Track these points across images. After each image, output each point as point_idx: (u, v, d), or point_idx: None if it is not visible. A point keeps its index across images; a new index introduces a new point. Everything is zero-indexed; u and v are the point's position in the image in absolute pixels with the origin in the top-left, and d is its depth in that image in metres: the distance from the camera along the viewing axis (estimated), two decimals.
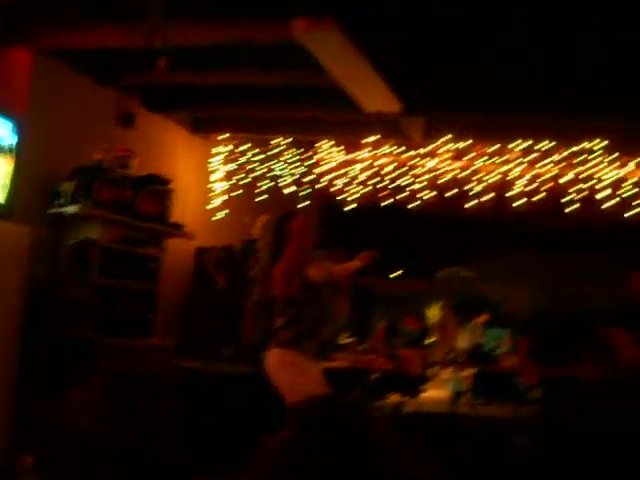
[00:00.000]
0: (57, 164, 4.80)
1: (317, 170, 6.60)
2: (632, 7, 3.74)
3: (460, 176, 6.19)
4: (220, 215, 6.43)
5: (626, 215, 5.56)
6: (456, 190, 6.16)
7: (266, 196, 6.52)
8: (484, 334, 8.16)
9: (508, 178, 5.97)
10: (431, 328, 10.01)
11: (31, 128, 4.57)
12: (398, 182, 6.38)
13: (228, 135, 6.48)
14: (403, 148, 6.35)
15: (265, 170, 6.53)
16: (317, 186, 6.47)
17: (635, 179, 5.54)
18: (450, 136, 5.90)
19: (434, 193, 6.25)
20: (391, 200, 6.45)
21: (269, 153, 6.54)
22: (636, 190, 5.51)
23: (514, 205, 5.96)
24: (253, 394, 5.13)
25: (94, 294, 4.61)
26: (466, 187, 6.12)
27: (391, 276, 12.56)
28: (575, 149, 5.64)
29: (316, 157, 6.56)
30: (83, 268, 4.59)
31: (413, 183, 6.35)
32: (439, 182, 6.24)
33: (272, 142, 6.51)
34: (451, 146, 6.03)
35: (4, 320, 4.15)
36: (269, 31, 4.15)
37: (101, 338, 4.54)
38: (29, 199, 4.62)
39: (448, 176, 6.20)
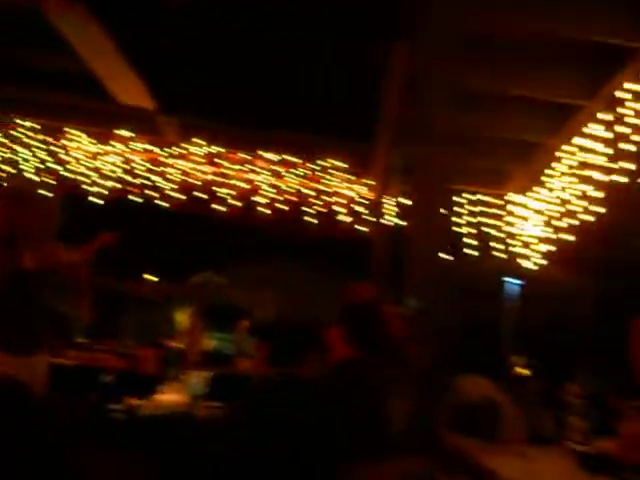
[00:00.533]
0: None
1: (64, 158, 6.27)
2: None
3: (211, 180, 6.29)
4: None
5: (357, 229, 6.07)
6: (206, 194, 6.25)
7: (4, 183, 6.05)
8: (246, 339, 8.31)
9: (255, 186, 6.20)
10: (179, 333, 9.98)
11: None
12: (150, 180, 6.31)
13: None
14: (153, 147, 6.30)
15: (6, 154, 6.06)
16: (64, 175, 6.16)
17: (365, 199, 6.09)
18: (203, 141, 5.99)
19: (184, 196, 6.28)
20: (140, 199, 6.35)
21: (10, 134, 6.09)
22: (366, 209, 6.06)
23: (260, 213, 6.20)
24: None
25: None
26: (216, 191, 6.23)
27: (146, 277, 12.31)
28: (317, 166, 6.05)
29: (64, 145, 6.24)
30: None
31: (165, 183, 6.32)
32: (190, 184, 6.28)
33: (15, 124, 6.08)
34: (204, 150, 6.12)
35: None
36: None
37: None
38: None
39: (200, 179, 6.27)
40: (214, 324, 9.11)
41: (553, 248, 5.32)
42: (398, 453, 1.77)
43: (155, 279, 12.53)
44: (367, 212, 6.02)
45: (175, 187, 6.32)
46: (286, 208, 6.15)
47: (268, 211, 6.19)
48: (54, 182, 6.26)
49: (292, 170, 6.15)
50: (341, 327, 2.77)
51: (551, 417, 2.73)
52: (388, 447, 2.11)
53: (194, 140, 6.07)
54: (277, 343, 6.85)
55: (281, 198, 6.16)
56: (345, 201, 6.14)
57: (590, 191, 4.59)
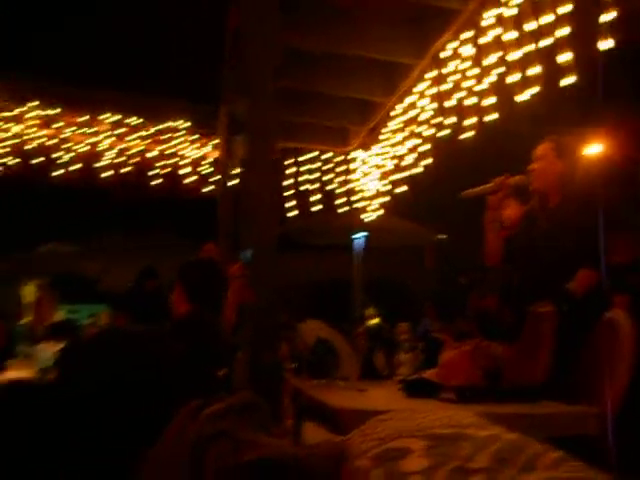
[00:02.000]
0: None
1: None
2: None
3: (48, 144, 6.02)
4: None
5: (203, 190, 6.07)
6: (43, 158, 5.98)
7: None
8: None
9: (97, 149, 6.02)
10: (25, 307, 9.55)
11: None
12: None
13: None
14: None
15: None
16: None
17: (211, 159, 6.08)
18: (38, 103, 5.70)
19: (19, 160, 5.97)
20: None
21: None
22: (212, 169, 6.06)
23: (102, 177, 6.03)
24: None
25: None
26: (54, 155, 5.98)
27: None
28: (161, 127, 5.95)
29: None
30: None
31: None
32: (25, 149, 5.98)
33: None
34: (39, 113, 5.83)
35: None
36: None
37: None
38: None
39: (35, 143, 5.98)
40: (63, 295, 8.83)
41: (390, 199, 5.64)
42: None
43: None
44: (213, 172, 6.04)
45: (8, 153, 5.99)
46: (130, 170, 6.03)
47: (111, 174, 6.03)
48: None
49: (135, 132, 6.01)
50: (180, 284, 2.83)
51: (383, 355, 2.95)
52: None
53: (28, 103, 5.76)
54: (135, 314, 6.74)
55: (125, 161, 6.03)
56: (190, 162, 6.12)
57: (420, 145, 4.92)
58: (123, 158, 6.02)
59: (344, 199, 6.23)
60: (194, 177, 6.10)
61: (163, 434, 1.35)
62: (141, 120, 5.90)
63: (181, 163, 6.08)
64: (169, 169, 6.05)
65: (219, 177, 5.56)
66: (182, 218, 7.26)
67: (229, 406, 1.48)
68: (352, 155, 6.13)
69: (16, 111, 5.84)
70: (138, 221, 9.10)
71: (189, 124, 5.94)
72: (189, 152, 6.08)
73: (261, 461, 1.11)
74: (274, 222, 2.52)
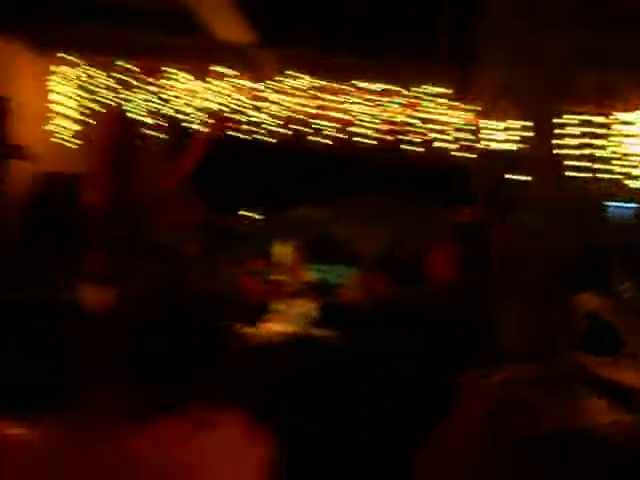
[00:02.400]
0: None
1: (164, 97, 6.46)
2: None
3: (310, 112, 6.31)
4: (65, 139, 6.15)
5: (458, 155, 5.97)
6: (306, 127, 6.29)
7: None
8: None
9: (354, 116, 6.18)
10: (278, 266, 10.24)
11: None
12: (248, 116, 6.41)
13: (73, 57, 6.16)
14: (255, 84, 6.38)
15: (112, 95, 6.30)
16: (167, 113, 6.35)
17: (467, 123, 5.95)
18: (302, 74, 5.99)
19: (284, 130, 6.36)
20: (241, 135, 6.47)
21: (117, 77, 6.31)
22: (468, 134, 5.93)
23: (360, 143, 6.19)
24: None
25: None
26: (316, 124, 6.26)
27: (242, 214, 12.64)
28: (418, 92, 5.94)
29: (164, 83, 6.41)
30: None
31: (263, 117, 6.40)
32: (290, 118, 6.34)
33: (119, 66, 6.28)
34: (302, 83, 6.12)
35: None
36: None
37: None
38: None
39: (299, 112, 6.31)
40: (316, 257, 9.31)
41: None
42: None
43: (254, 215, 12.83)
44: (470, 138, 5.90)
45: (274, 121, 6.39)
46: (387, 137, 6.11)
47: (368, 141, 6.16)
48: (161, 121, 6.47)
49: (392, 98, 6.07)
50: (449, 247, 2.77)
51: None
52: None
53: (292, 73, 6.07)
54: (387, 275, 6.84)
55: (381, 127, 6.12)
56: (447, 128, 6.03)
57: None
58: (379, 124, 6.12)
59: (607, 165, 5.76)
60: (450, 143, 6.02)
61: (451, 403, 1.31)
62: (398, 86, 5.93)
63: (437, 128, 6.02)
64: (425, 135, 6.03)
65: (475, 142, 5.42)
66: (434, 183, 7.22)
67: (522, 375, 1.39)
68: (619, 116, 5.63)
69: (282, 83, 6.20)
70: (390, 186, 9.23)
71: (446, 89, 5.85)
72: (446, 117, 6.00)
73: (561, 432, 1.03)
74: (557, 185, 2.37)
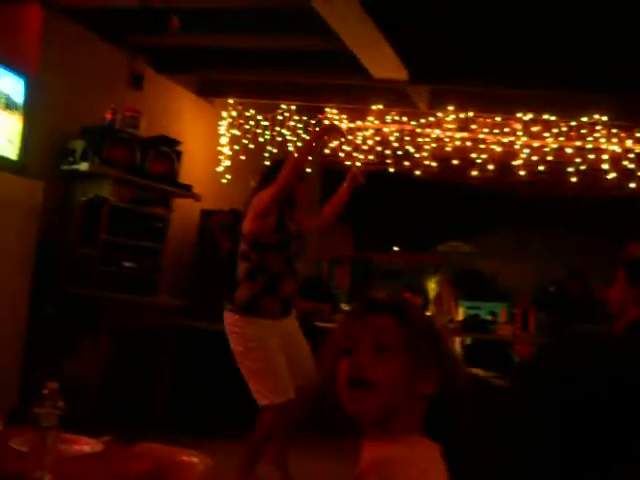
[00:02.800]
0: (68, 121, 4.85)
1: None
2: None
3: (464, 146, 6.27)
4: (226, 179, 6.48)
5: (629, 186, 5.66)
6: (459, 160, 6.25)
7: (271, 163, 6.58)
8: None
9: (512, 148, 6.05)
10: (429, 301, 10.17)
11: (42, 85, 4.62)
12: (403, 151, 6.46)
13: (234, 100, 6.51)
14: (406, 118, 6.46)
15: (271, 135, 6.58)
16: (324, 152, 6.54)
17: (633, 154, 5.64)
18: (452, 108, 5.97)
19: (436, 163, 6.35)
20: (393, 170, 6.54)
21: (276, 118, 6.59)
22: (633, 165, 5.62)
23: (517, 175, 6.05)
24: None
25: (102, 251, 4.69)
26: (470, 157, 6.20)
27: (394, 249, 12.71)
28: (577, 122, 5.72)
29: (322, 123, 6.62)
30: (93, 225, 4.67)
31: (417, 152, 6.44)
32: (443, 151, 6.33)
33: (280, 108, 6.55)
34: (455, 116, 6.10)
35: (17, 275, 4.25)
36: None
37: (107, 295, 4.63)
38: (42, 156, 4.69)
39: (452, 146, 6.29)
40: (464, 292, 9.14)
41: None
42: None
43: (398, 249, 12.81)
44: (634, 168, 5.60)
45: (428, 156, 6.40)
46: (545, 169, 5.92)
47: (524, 173, 6.01)
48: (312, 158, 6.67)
49: (551, 129, 5.89)
50: (629, 287, 2.62)
51: None
52: None
53: (445, 107, 6.06)
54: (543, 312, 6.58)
55: (540, 159, 5.95)
56: (610, 157, 5.76)
57: None
58: (538, 156, 5.95)
59: None
60: (614, 173, 5.73)
61: None
62: (557, 116, 5.74)
63: (600, 158, 5.77)
64: (587, 165, 5.79)
65: None
66: (597, 217, 6.89)
67: None
68: None
69: (437, 116, 6.20)
70: (547, 219, 8.93)
71: (607, 117, 5.59)
72: (609, 146, 5.73)
73: None
74: None
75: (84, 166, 4.66)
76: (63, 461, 1.77)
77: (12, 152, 4.39)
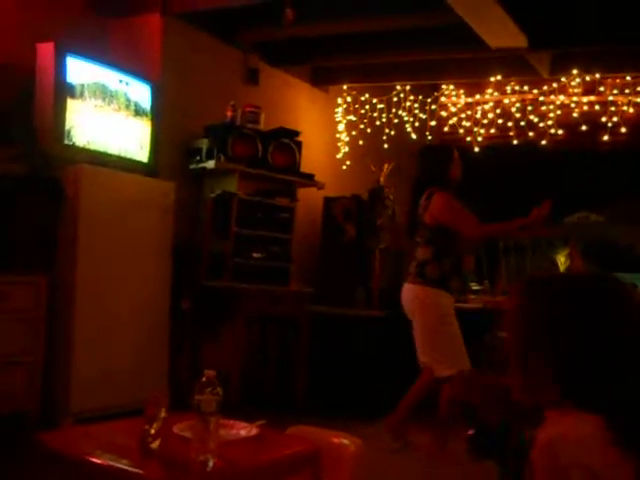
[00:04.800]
0: (192, 122, 5.03)
1: (441, 114, 6.55)
2: None
3: (592, 110, 5.96)
4: (346, 165, 6.50)
5: None
6: (588, 126, 5.94)
7: (390, 145, 6.55)
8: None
9: None
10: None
11: (166, 90, 4.82)
12: (526, 120, 6.23)
13: (347, 86, 6.51)
14: (527, 87, 6.22)
15: (387, 118, 6.53)
16: (444, 130, 6.42)
17: None
18: (577, 71, 5.67)
19: (562, 131, 6.07)
20: (517, 141, 6.32)
21: (392, 100, 6.53)
22: None
23: None
24: (383, 335, 5.29)
25: (234, 244, 4.84)
26: (600, 121, 5.88)
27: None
28: None
29: (439, 101, 6.50)
30: (223, 220, 4.83)
31: (542, 121, 6.18)
32: (570, 118, 6.04)
33: (394, 89, 6.49)
34: (581, 80, 5.79)
35: (158, 271, 4.48)
36: None
37: (241, 286, 4.77)
38: (170, 157, 4.90)
39: (579, 111, 5.99)
40: (595, 264, 8.70)
41: None
42: None
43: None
44: None
45: (554, 124, 6.13)
46: None
47: None
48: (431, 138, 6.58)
49: None
50: None
51: None
52: None
53: (569, 71, 5.76)
54: None
55: None
56: None
57: None
58: None
59: None
60: None
61: None
62: None
63: None
64: None
65: None
66: None
67: None
68: None
69: (561, 81, 5.93)
70: None
71: None
72: None
73: None
74: None
75: (211, 164, 4.82)
76: (224, 445, 1.84)
77: (144, 155, 4.62)
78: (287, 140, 5.28)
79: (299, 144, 5.36)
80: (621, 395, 1.20)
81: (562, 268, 10.44)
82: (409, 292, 3.96)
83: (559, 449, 1.17)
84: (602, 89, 5.93)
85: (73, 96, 4.18)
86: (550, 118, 6.17)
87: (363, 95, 6.54)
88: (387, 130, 6.53)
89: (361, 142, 6.51)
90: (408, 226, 4.13)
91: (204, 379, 1.80)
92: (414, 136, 6.55)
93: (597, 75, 5.81)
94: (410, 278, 3.99)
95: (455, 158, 4.11)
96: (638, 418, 1.19)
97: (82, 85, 4.24)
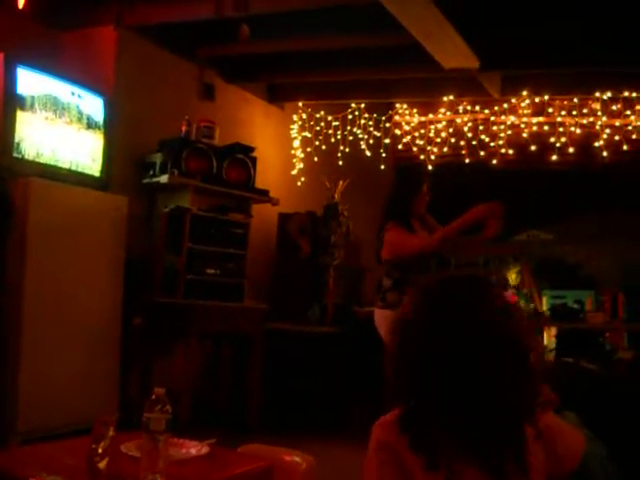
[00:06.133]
0: (145, 136, 4.98)
1: (396, 132, 6.62)
2: None
3: (541, 131, 6.11)
4: (301, 181, 6.52)
5: None
6: (537, 146, 6.08)
7: (344, 162, 6.60)
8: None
9: (592, 130, 5.84)
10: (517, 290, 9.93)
11: (119, 103, 4.76)
12: (477, 140, 6.35)
13: (303, 103, 6.54)
14: (478, 107, 6.35)
15: (342, 135, 6.58)
16: (398, 147, 6.49)
17: None
18: (526, 92, 5.81)
19: (512, 151, 6.21)
20: (469, 160, 6.43)
21: (347, 117, 6.59)
22: None
23: (600, 157, 5.83)
24: (337, 352, 5.30)
25: (187, 260, 4.79)
26: (549, 141, 6.02)
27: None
28: None
29: (393, 120, 6.58)
30: (176, 235, 4.78)
31: (493, 140, 6.31)
32: (520, 138, 6.18)
33: (349, 107, 6.55)
34: (530, 101, 5.94)
35: (110, 287, 4.40)
36: None
37: (195, 302, 4.72)
38: (123, 171, 4.84)
39: (529, 131, 6.13)
40: (544, 281, 8.88)
41: None
42: None
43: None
44: None
45: (504, 144, 6.27)
46: (628, 149, 5.68)
47: (607, 155, 5.79)
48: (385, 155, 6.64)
49: (633, 107, 5.65)
50: None
51: None
52: None
53: (519, 92, 5.91)
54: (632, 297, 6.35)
55: (622, 139, 5.72)
56: None
57: None
58: (620, 136, 5.73)
59: None
60: None
61: None
62: (636, 94, 5.51)
63: None
64: None
65: None
66: None
67: None
68: None
69: (511, 102, 6.06)
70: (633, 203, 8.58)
71: None
72: None
73: None
74: None
75: (164, 178, 4.77)
76: (173, 464, 1.81)
77: (96, 169, 4.55)
78: (242, 156, 5.26)
79: (254, 160, 5.35)
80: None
81: (512, 284, 10.62)
82: (375, 316, 4.09)
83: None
84: (551, 110, 6.10)
85: (23, 108, 4.10)
86: (501, 138, 6.31)
87: (318, 112, 6.58)
88: (342, 147, 6.59)
89: (316, 159, 6.54)
90: (375, 252, 4.19)
91: (154, 397, 1.77)
92: (369, 153, 6.62)
93: (546, 97, 5.97)
94: (376, 303, 4.13)
95: (422, 193, 4.18)
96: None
97: (33, 97, 4.16)
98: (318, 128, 6.57)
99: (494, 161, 6.39)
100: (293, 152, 6.55)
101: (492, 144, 6.41)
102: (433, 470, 1.16)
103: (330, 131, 6.58)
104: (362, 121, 6.58)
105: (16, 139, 4.05)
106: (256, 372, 5.12)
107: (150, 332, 4.64)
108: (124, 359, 4.49)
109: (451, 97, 6.08)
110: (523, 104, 6.09)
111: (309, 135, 6.56)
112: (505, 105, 6.20)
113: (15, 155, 4.05)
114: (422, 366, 1.22)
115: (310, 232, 5.90)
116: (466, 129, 6.47)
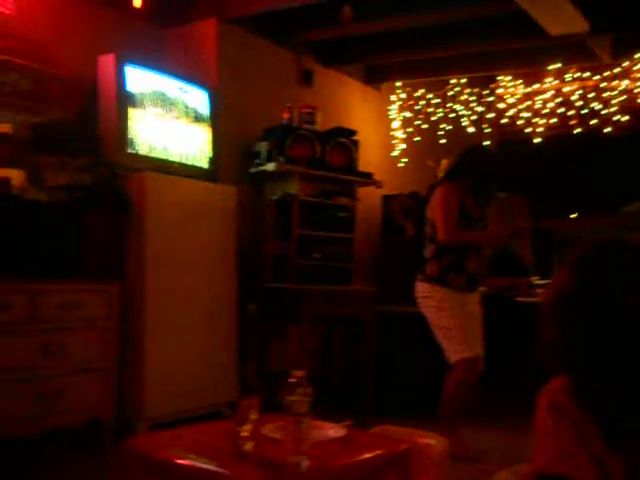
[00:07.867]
0: (249, 126, 5.05)
1: (499, 106, 6.42)
2: None
3: None
4: (403, 162, 6.44)
5: None
6: None
7: (447, 140, 6.47)
8: None
9: None
10: None
11: (222, 95, 4.84)
12: (588, 109, 6.06)
13: (401, 82, 6.44)
14: (589, 73, 6.05)
15: (444, 113, 6.45)
16: (501, 122, 6.30)
17: None
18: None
19: (627, 117, 5.89)
20: (580, 129, 6.16)
21: (447, 94, 6.45)
22: None
23: None
24: None
25: (296, 245, 4.83)
26: None
27: (571, 216, 11.94)
28: None
29: (496, 93, 6.38)
30: (285, 222, 4.83)
31: (605, 107, 6.01)
32: (634, 103, 5.85)
33: (449, 83, 6.40)
34: None
35: (224, 275, 4.51)
36: None
37: (306, 287, 4.76)
38: (230, 161, 4.93)
39: None
40: None
41: None
42: None
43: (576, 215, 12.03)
44: None
45: (618, 110, 5.96)
46: None
47: None
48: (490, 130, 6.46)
49: None
50: None
51: None
52: None
53: (631, 55, 5.58)
54: None
55: None
56: None
57: None
58: None
59: None
60: None
61: None
62: None
63: None
64: None
65: None
66: None
67: None
68: None
69: (624, 65, 5.75)
70: None
71: None
72: None
73: None
74: None
75: (270, 166, 4.82)
76: (314, 446, 1.82)
77: (204, 161, 4.66)
78: (344, 139, 5.25)
79: (356, 143, 5.32)
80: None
81: None
82: (415, 289, 4.07)
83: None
84: None
85: (134, 105, 4.24)
86: (613, 105, 5.99)
87: (417, 91, 6.47)
88: (443, 125, 6.45)
89: (418, 138, 6.43)
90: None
91: (294, 379, 1.79)
92: (471, 129, 6.45)
93: None
94: (416, 275, 4.09)
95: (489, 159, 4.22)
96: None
97: (142, 94, 4.29)
98: (418, 107, 6.46)
99: (607, 129, 6.08)
100: (393, 133, 6.47)
101: (604, 111, 6.10)
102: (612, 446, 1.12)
103: (430, 109, 6.45)
104: (463, 97, 6.41)
105: (129, 136, 4.19)
106: (369, 354, 5.12)
107: (264, 317, 4.72)
108: (241, 345, 4.59)
109: (558, 65, 5.82)
110: (636, 67, 5.75)
111: (409, 115, 6.46)
112: (617, 69, 5.88)
113: (129, 151, 4.20)
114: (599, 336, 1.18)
115: (414, 213, 5.82)
116: (574, 98, 6.19)
